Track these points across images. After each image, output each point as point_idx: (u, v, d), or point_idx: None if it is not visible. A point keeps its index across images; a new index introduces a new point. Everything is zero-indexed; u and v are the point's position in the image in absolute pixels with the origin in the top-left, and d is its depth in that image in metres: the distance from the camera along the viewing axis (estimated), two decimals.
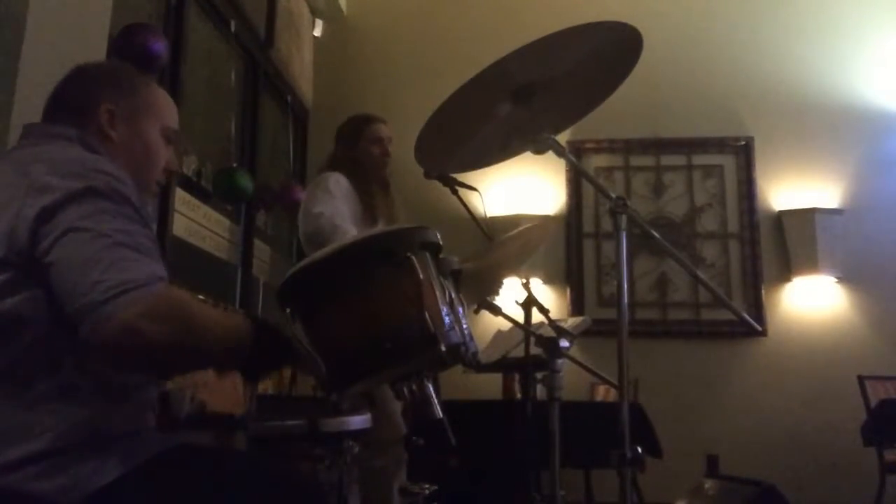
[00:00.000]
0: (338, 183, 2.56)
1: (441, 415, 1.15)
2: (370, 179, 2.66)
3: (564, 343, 1.73)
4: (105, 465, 1.04)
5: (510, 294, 1.89)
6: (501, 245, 1.90)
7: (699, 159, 4.56)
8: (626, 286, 1.49)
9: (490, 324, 2.50)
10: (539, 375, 1.93)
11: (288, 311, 1.15)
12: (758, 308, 4.29)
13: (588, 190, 4.50)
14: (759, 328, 4.25)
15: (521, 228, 2.03)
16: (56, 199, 1.03)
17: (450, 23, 4.72)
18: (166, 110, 1.35)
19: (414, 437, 2.25)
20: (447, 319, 1.13)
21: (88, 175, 1.07)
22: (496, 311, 1.73)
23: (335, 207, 2.47)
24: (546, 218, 4.40)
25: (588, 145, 4.55)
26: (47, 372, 1.04)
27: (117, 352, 1.00)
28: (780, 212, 4.44)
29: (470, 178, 1.99)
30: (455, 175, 2.01)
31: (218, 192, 3.12)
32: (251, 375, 1.25)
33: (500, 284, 1.85)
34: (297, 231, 2.65)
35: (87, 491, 1.02)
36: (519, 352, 2.23)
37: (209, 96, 3.31)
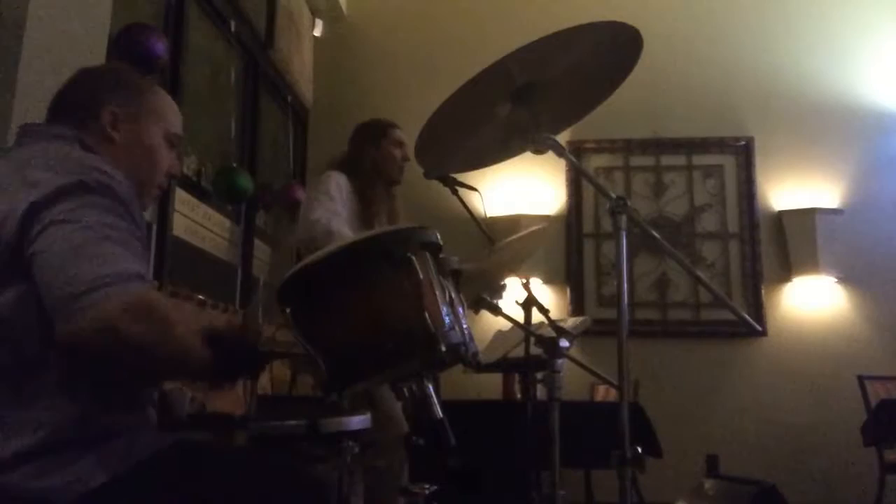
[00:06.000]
0: (338, 184, 2.56)
1: (441, 415, 1.15)
2: (377, 181, 2.66)
3: (564, 343, 1.72)
4: (103, 463, 1.03)
5: (510, 294, 1.88)
6: (501, 250, 1.90)
7: (699, 159, 4.56)
8: (626, 286, 1.49)
9: (490, 324, 2.50)
10: (539, 375, 1.93)
11: (288, 311, 1.15)
12: (758, 308, 4.29)
13: (588, 190, 4.50)
14: (759, 328, 4.25)
15: (521, 234, 2.03)
16: (46, 195, 1.02)
17: (450, 23, 4.72)
18: (170, 115, 1.35)
19: (414, 437, 2.24)
20: (447, 319, 1.13)
21: (81, 171, 1.07)
22: (496, 311, 1.72)
23: (333, 212, 2.46)
24: (546, 219, 4.39)
25: (588, 145, 4.55)
26: (42, 367, 1.03)
27: (89, 346, 0.98)
28: (781, 212, 4.44)
29: (470, 178, 1.99)
30: (455, 175, 2.00)
31: (218, 192, 3.12)
32: (216, 381, 1.27)
33: (502, 287, 1.84)
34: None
35: (86, 488, 1.01)
36: (519, 352, 2.22)
37: (209, 96, 3.31)
